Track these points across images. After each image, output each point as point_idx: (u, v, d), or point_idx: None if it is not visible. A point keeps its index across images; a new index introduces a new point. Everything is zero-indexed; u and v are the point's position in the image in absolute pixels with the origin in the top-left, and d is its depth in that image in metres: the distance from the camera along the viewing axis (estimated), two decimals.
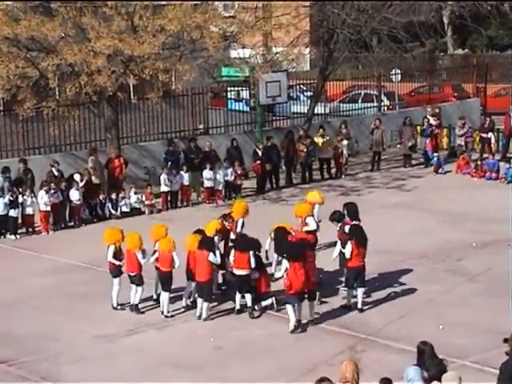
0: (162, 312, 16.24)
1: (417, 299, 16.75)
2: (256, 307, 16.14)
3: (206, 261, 15.75)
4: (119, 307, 16.67)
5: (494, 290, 16.92)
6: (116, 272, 16.61)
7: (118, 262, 16.53)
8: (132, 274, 16.47)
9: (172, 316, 16.17)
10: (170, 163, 25.54)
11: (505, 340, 11.19)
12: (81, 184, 23.47)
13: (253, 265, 15.85)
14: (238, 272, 16.01)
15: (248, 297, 16.03)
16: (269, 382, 13.09)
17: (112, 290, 16.66)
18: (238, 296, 16.19)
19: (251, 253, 15.88)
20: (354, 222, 16.61)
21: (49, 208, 22.65)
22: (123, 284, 16.65)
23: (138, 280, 16.44)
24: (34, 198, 22.45)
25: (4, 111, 25.75)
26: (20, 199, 22.31)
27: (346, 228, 16.48)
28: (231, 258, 16.10)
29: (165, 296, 16.22)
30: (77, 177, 23.58)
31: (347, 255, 16.02)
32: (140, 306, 16.59)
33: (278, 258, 16.38)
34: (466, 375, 11.60)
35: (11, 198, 22.11)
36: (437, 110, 32.02)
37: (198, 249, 15.95)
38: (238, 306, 16.21)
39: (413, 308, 16.21)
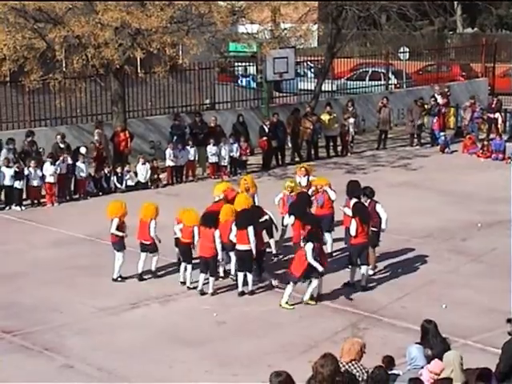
0: (184, 283, 16.39)
1: (421, 278, 16.75)
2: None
3: (211, 237, 15.70)
4: (119, 279, 16.73)
5: (497, 271, 16.93)
6: (120, 245, 16.64)
7: (121, 234, 16.56)
8: (147, 243, 16.62)
9: (194, 288, 16.17)
10: (175, 138, 25.50)
11: (508, 320, 11.16)
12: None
13: (252, 240, 15.64)
14: (239, 247, 15.83)
15: (249, 277, 15.85)
16: (271, 357, 13.12)
17: (115, 263, 16.69)
18: (240, 275, 15.96)
19: (249, 228, 15.69)
20: (356, 200, 16.59)
21: (53, 179, 22.64)
22: (127, 257, 16.71)
23: (152, 248, 16.63)
24: (39, 171, 22.41)
25: (10, 82, 25.68)
26: (25, 171, 22.31)
27: (346, 210, 16.45)
28: (233, 233, 15.93)
29: (188, 268, 16.30)
30: (83, 150, 23.56)
31: (352, 233, 16.01)
32: (144, 279, 16.73)
33: None
34: (469, 354, 11.60)
35: (17, 170, 22.10)
36: (445, 89, 31.88)
37: (203, 225, 15.90)
38: (240, 288, 15.94)
39: (417, 287, 16.22)
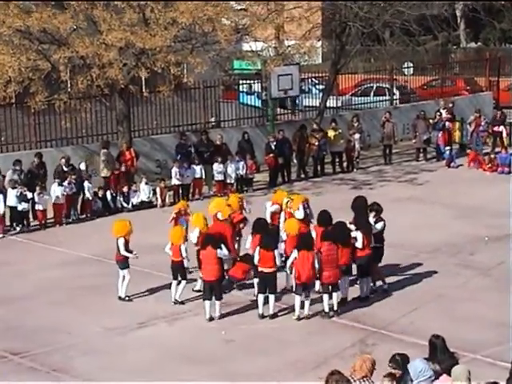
0: (176, 302, 16.40)
1: (429, 293, 16.70)
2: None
3: (214, 259, 15.51)
4: (127, 299, 16.72)
5: (505, 284, 16.85)
6: (125, 264, 16.66)
7: (131, 255, 16.56)
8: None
9: (182, 303, 16.24)
10: (179, 156, 25.53)
11: None
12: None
13: (278, 263, 15.57)
14: (263, 269, 15.59)
15: (272, 299, 15.62)
16: (280, 375, 13.08)
17: (121, 282, 16.69)
18: (260, 297, 15.68)
19: (276, 251, 15.61)
20: (356, 214, 16.59)
21: (61, 201, 22.66)
22: (132, 277, 16.72)
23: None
24: (45, 196, 22.38)
25: (16, 104, 25.76)
26: (29, 195, 22.18)
27: (352, 227, 16.39)
28: (256, 255, 15.69)
29: (182, 283, 16.36)
30: (82, 166, 23.65)
31: (359, 245, 16.05)
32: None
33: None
34: (478, 369, 11.58)
35: (23, 192, 22.07)
36: (450, 105, 31.85)
37: (204, 247, 15.68)
38: (260, 311, 15.65)
39: (425, 302, 16.17)
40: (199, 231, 16.61)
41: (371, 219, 16.61)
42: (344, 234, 15.92)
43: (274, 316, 15.66)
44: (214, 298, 15.56)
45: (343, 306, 15.87)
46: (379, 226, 16.60)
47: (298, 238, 15.92)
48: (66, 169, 23.37)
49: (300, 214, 17.05)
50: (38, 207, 22.41)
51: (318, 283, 16.10)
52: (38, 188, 22.35)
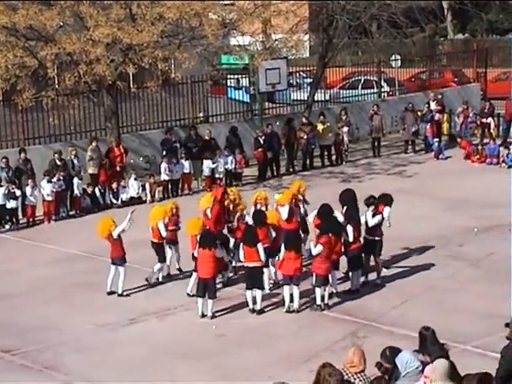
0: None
1: (418, 285, 16.76)
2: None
3: (211, 257, 15.40)
4: (125, 294, 16.72)
5: (495, 275, 16.91)
6: (123, 260, 16.72)
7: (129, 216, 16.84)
8: None
9: (194, 295, 16.08)
10: (164, 152, 25.50)
11: (506, 325, 11.15)
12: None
13: (262, 257, 15.61)
14: (248, 264, 15.66)
15: (258, 294, 15.62)
16: (272, 368, 13.11)
17: (112, 277, 16.72)
18: (248, 293, 15.71)
19: (259, 245, 15.61)
20: (347, 207, 16.61)
21: (51, 198, 22.62)
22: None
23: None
24: (36, 191, 22.36)
25: (3, 101, 25.69)
26: (17, 192, 22.12)
27: (340, 217, 16.39)
28: (240, 251, 15.82)
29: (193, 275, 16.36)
30: (69, 160, 23.70)
31: (351, 238, 16.09)
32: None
33: None
34: (468, 360, 11.66)
35: (11, 190, 21.99)
36: (439, 96, 31.91)
37: (202, 246, 15.57)
38: (251, 306, 15.68)
39: (415, 294, 16.22)
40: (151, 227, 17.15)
41: (369, 213, 16.65)
42: (338, 226, 15.99)
43: (261, 312, 15.63)
44: (206, 295, 15.51)
45: (333, 299, 15.92)
46: (377, 219, 16.62)
47: (285, 236, 15.98)
48: (59, 163, 23.35)
49: (284, 214, 16.89)
50: (30, 203, 22.35)
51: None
52: (30, 181, 22.31)
